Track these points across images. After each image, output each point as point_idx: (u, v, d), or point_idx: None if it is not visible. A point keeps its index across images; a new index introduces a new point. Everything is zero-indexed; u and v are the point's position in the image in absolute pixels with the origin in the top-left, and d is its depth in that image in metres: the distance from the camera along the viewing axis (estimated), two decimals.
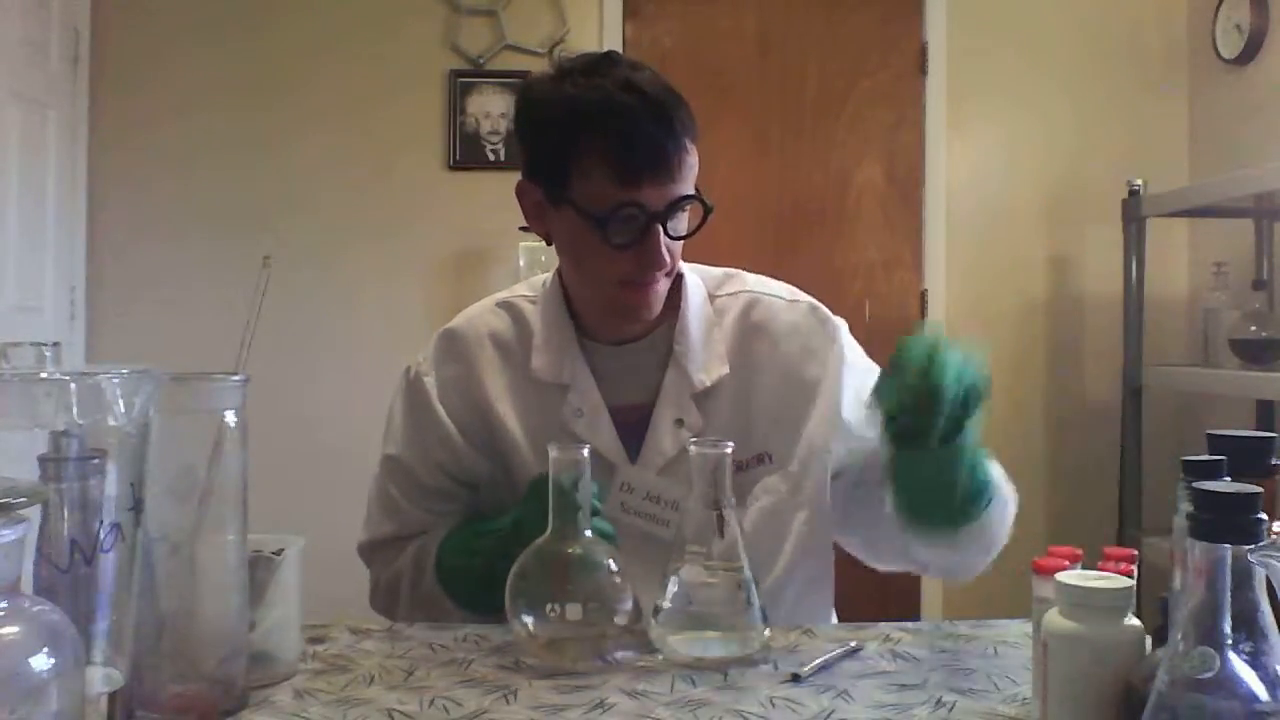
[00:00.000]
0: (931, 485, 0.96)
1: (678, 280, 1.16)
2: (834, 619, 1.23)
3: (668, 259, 1.06)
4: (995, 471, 1.01)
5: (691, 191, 1.06)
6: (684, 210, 1.07)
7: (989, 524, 1.03)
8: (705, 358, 1.14)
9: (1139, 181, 2.87)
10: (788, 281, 1.25)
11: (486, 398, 1.16)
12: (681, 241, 1.09)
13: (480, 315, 1.22)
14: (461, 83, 3.22)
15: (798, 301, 1.21)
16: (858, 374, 1.16)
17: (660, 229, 1.04)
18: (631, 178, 1.02)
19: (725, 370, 1.15)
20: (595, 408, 1.13)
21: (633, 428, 1.14)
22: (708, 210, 1.08)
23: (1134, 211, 2.88)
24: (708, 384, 1.13)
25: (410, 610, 1.15)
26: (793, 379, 1.16)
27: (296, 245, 3.09)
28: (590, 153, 1.03)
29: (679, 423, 1.12)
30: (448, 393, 1.17)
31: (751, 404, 1.15)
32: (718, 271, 1.23)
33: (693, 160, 1.06)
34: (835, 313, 1.22)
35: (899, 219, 3.31)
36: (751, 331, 1.17)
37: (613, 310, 1.12)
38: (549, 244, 1.14)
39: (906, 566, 1.16)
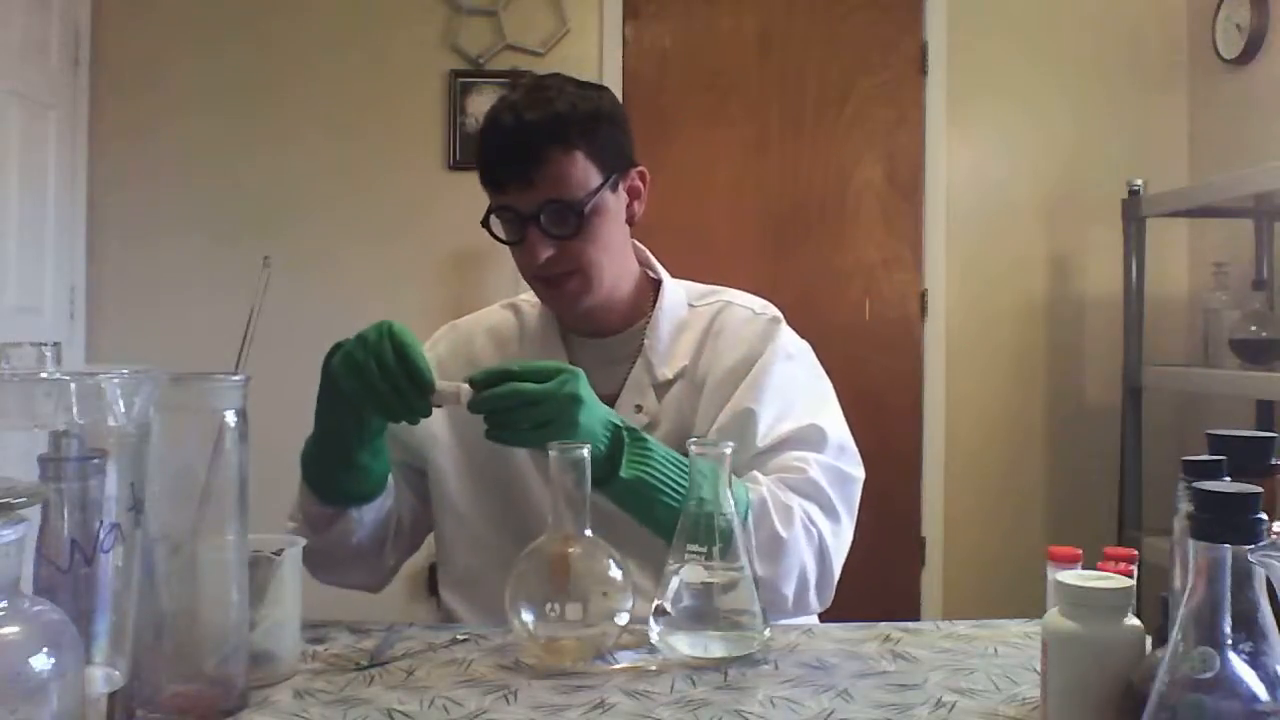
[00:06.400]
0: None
1: (658, 287, 1.27)
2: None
3: (544, 255, 1.14)
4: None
5: (568, 196, 1.13)
6: (561, 213, 1.13)
7: None
8: (670, 353, 1.24)
9: (1139, 181, 2.87)
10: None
11: None
12: (583, 242, 1.15)
13: (485, 312, 1.36)
14: (461, 83, 3.22)
15: (763, 314, 1.27)
16: (782, 381, 1.19)
17: (535, 228, 1.13)
18: (496, 183, 1.15)
19: (685, 364, 1.23)
20: None
21: None
22: (581, 215, 1.13)
23: (1134, 211, 2.88)
24: (669, 376, 1.22)
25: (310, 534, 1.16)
26: (731, 375, 1.21)
27: (296, 245, 3.08)
28: (479, 164, 1.17)
29: (637, 408, 1.21)
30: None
31: (698, 397, 1.22)
32: (705, 288, 1.32)
33: (564, 170, 1.12)
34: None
35: (899, 219, 3.30)
36: (714, 333, 1.25)
37: (543, 301, 1.25)
38: None
39: None
